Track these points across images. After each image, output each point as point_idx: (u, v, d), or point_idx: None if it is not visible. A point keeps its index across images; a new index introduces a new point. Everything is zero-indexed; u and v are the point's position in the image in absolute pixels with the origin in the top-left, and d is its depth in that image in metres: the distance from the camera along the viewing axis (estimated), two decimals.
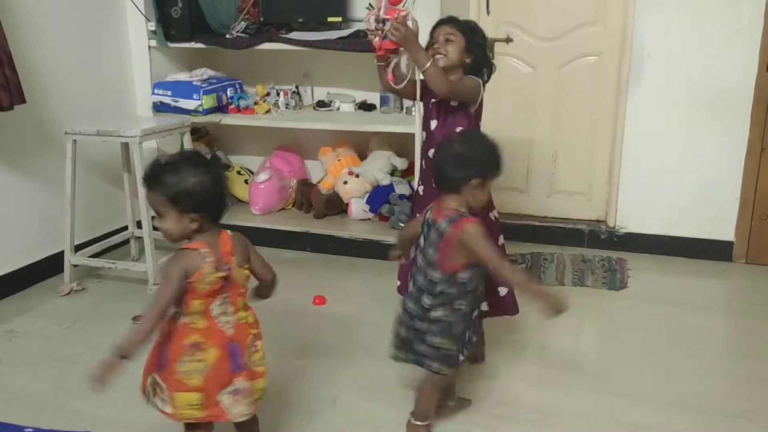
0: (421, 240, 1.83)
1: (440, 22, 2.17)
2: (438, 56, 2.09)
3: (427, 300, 1.79)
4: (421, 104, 2.30)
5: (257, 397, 1.64)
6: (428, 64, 2.03)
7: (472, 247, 1.72)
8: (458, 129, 2.16)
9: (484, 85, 2.18)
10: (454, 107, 2.17)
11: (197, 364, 1.53)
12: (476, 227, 1.73)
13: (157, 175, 1.52)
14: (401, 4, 2.09)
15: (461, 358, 1.85)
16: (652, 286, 3.02)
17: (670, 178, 3.27)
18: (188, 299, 1.52)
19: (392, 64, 2.19)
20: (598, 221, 3.51)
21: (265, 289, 1.75)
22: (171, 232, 1.53)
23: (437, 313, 1.79)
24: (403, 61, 2.16)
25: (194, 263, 1.50)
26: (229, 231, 1.61)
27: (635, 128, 3.26)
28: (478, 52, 2.14)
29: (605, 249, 3.42)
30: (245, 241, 1.64)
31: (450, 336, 1.80)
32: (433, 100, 2.20)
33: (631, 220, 3.39)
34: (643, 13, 3.12)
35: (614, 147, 3.35)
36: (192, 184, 1.49)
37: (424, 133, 2.27)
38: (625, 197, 3.37)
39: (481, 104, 2.19)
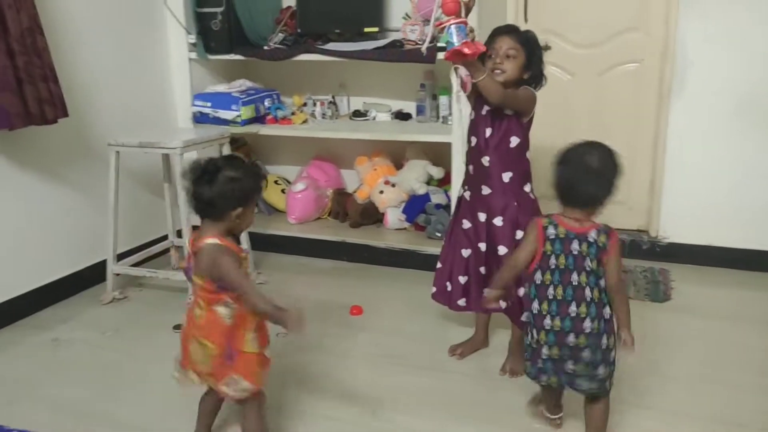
0: (555, 260, 1.76)
1: (501, 32, 2.14)
2: (497, 71, 2.08)
3: (608, 311, 1.78)
4: (471, 110, 2.28)
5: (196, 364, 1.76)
6: (483, 76, 2.03)
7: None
8: (513, 138, 2.18)
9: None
10: (509, 116, 2.17)
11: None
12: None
13: (208, 179, 1.66)
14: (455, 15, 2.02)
15: None
16: (697, 299, 2.93)
17: (715, 187, 3.18)
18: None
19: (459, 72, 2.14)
20: (639, 231, 3.43)
21: None
22: (219, 229, 1.70)
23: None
24: (462, 71, 2.11)
25: (235, 256, 1.69)
26: (212, 241, 1.68)
27: (678, 136, 3.19)
28: (536, 68, 2.13)
29: (647, 259, 3.33)
30: (219, 255, 1.68)
31: None
32: (487, 108, 2.18)
33: (674, 229, 3.30)
34: (685, 20, 3.05)
35: (656, 155, 3.27)
36: (232, 184, 1.66)
37: (474, 139, 2.25)
38: (668, 206, 3.29)
39: (532, 117, 2.19)
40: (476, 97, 2.22)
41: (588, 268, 1.74)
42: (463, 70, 2.07)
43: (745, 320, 2.71)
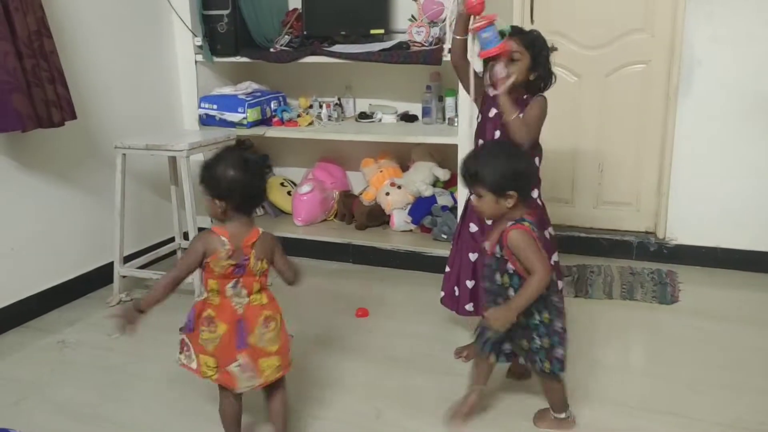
0: None
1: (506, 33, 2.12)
2: (501, 82, 2.05)
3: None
4: (478, 112, 2.29)
5: (267, 374, 1.79)
6: (514, 117, 2.06)
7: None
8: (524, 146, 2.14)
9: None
10: (519, 118, 2.14)
11: (211, 335, 1.75)
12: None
13: (206, 164, 1.76)
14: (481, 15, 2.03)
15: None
16: (705, 300, 2.91)
17: (722, 188, 3.16)
18: (206, 278, 1.76)
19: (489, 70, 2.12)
20: (647, 233, 3.41)
21: (288, 281, 1.93)
22: (207, 211, 1.79)
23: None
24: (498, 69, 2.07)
25: (213, 246, 1.72)
26: (261, 229, 1.79)
27: (685, 137, 3.17)
28: (542, 68, 2.12)
29: (654, 261, 3.32)
30: (273, 241, 1.84)
31: None
32: (495, 111, 2.17)
33: (681, 231, 3.28)
34: (692, 20, 3.03)
35: (663, 156, 3.26)
36: (217, 176, 1.72)
37: (481, 142, 2.26)
38: (675, 208, 3.27)
39: (542, 122, 2.18)
40: (484, 99, 2.21)
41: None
42: (499, 69, 2.04)
43: (753, 322, 2.69)
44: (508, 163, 1.83)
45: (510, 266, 1.86)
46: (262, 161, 1.79)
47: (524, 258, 1.81)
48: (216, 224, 1.79)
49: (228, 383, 1.78)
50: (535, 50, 2.10)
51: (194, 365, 1.81)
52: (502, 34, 2.05)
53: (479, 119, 2.27)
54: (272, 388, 1.87)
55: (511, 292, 1.87)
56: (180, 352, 1.84)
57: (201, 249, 1.73)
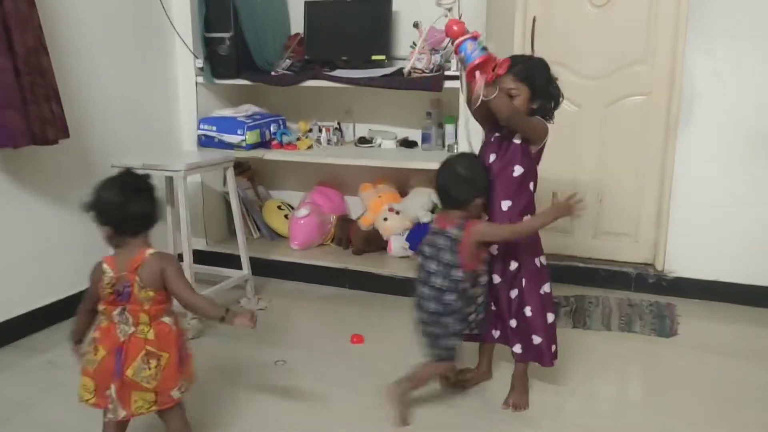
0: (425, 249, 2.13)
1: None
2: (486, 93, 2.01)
3: (448, 297, 2.07)
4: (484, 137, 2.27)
5: (137, 406, 1.76)
6: (494, 94, 2.00)
7: (486, 237, 2.08)
8: (516, 167, 2.13)
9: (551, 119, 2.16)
10: (517, 144, 2.13)
11: (92, 357, 1.76)
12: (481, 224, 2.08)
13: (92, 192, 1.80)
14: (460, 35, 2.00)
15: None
16: (704, 334, 2.88)
17: (722, 221, 3.15)
18: (97, 301, 1.77)
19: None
20: (645, 264, 3.39)
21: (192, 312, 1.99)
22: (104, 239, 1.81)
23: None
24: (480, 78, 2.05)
25: (97, 273, 1.77)
26: (152, 251, 1.78)
27: (685, 169, 3.17)
28: (543, 96, 2.10)
29: (653, 293, 3.29)
30: (165, 265, 1.77)
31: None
32: (496, 134, 2.16)
33: (680, 263, 3.26)
34: (692, 54, 3.05)
35: (663, 188, 3.25)
36: (95, 202, 1.78)
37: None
38: (675, 240, 3.25)
39: (543, 148, 2.16)
40: (487, 121, 2.19)
41: (444, 260, 2.06)
42: (479, 79, 2.00)
43: (752, 358, 2.66)
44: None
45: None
46: (138, 182, 1.82)
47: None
48: (145, 247, 1.80)
49: (102, 406, 1.77)
50: (531, 81, 2.07)
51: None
52: (483, 48, 2.00)
53: (483, 142, 2.25)
54: (164, 413, 1.84)
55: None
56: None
57: (91, 278, 1.78)
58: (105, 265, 1.76)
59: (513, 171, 2.13)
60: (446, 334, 2.11)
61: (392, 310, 3.16)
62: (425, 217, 3.44)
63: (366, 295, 3.35)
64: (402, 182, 3.66)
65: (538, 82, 2.09)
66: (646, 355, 2.72)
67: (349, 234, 3.65)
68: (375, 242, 3.60)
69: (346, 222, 3.73)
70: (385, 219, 3.52)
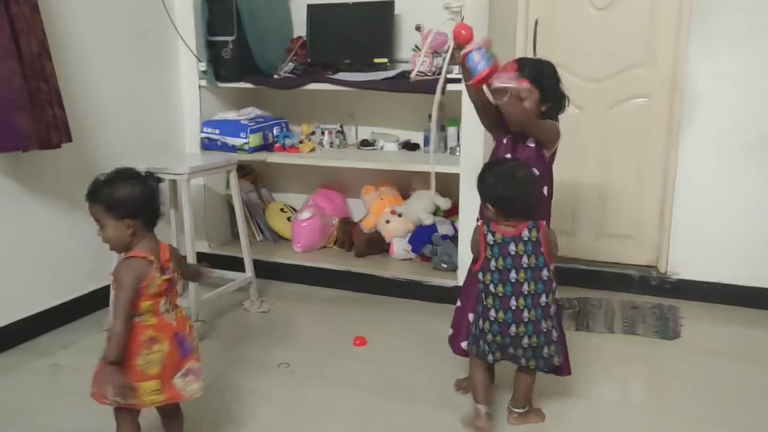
0: (499, 262, 2.00)
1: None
2: (501, 94, 2.02)
3: (543, 299, 2.00)
4: (494, 139, 2.28)
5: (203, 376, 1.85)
6: (506, 98, 2.00)
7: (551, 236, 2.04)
8: (533, 171, 2.09)
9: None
10: (530, 147, 2.13)
11: (156, 355, 1.74)
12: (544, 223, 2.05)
13: (95, 189, 1.76)
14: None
15: None
16: (707, 337, 2.88)
17: (725, 223, 3.15)
18: (139, 302, 1.72)
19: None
20: (648, 266, 3.39)
21: (196, 280, 2.14)
22: (111, 240, 1.76)
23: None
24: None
25: (143, 270, 1.72)
26: (165, 242, 1.84)
27: (688, 171, 3.17)
28: (553, 97, 2.10)
29: (656, 295, 3.29)
30: (177, 251, 1.91)
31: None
32: (508, 136, 2.16)
33: (683, 265, 3.26)
34: (694, 56, 3.05)
35: (665, 190, 3.25)
36: (124, 193, 1.73)
37: None
38: (678, 242, 3.25)
39: (555, 152, 2.16)
40: (498, 125, 2.19)
41: (525, 265, 1.98)
42: (496, 83, 2.01)
43: (755, 360, 2.66)
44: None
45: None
46: (151, 174, 1.84)
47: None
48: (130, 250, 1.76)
49: (176, 397, 1.80)
50: (540, 83, 2.07)
51: (133, 400, 1.75)
52: (491, 55, 2.00)
53: (494, 146, 2.26)
54: (171, 409, 1.91)
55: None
56: (114, 395, 1.73)
57: (132, 279, 1.70)
58: (149, 258, 1.73)
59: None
60: (550, 340, 2.02)
61: (395, 312, 3.16)
62: (427, 220, 3.45)
63: (369, 298, 3.35)
64: (404, 185, 3.67)
65: (547, 83, 2.09)
66: (650, 357, 2.72)
67: (352, 236, 3.66)
68: (377, 245, 3.60)
69: (348, 224, 3.74)
70: (388, 221, 3.53)
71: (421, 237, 3.45)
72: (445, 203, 3.47)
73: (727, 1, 2.96)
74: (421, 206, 3.47)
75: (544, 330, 1.99)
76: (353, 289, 3.43)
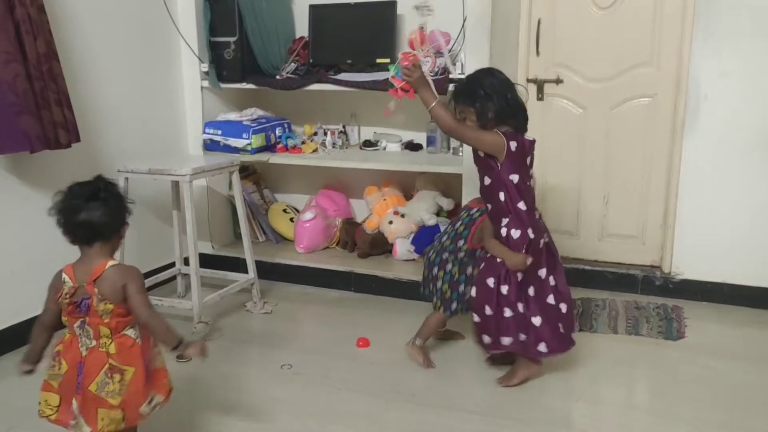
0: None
1: (451, 99, 2.28)
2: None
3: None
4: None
5: (104, 424, 1.69)
6: (433, 104, 2.18)
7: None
8: (485, 178, 2.27)
9: (518, 133, 2.22)
10: (481, 158, 2.25)
11: (56, 371, 1.73)
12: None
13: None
14: (423, 47, 2.24)
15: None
16: (712, 337, 2.87)
17: (729, 223, 3.14)
18: (61, 313, 1.72)
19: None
20: (652, 266, 3.38)
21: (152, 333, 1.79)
22: None
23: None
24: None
25: (57, 283, 1.72)
26: (113, 263, 1.72)
27: (692, 171, 3.16)
28: (492, 105, 2.17)
29: (660, 296, 3.27)
30: (127, 278, 1.70)
31: None
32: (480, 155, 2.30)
33: (687, 266, 3.25)
34: (698, 55, 3.04)
35: (669, 190, 3.24)
36: (52, 207, 1.73)
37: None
38: (682, 242, 3.24)
39: (514, 158, 2.19)
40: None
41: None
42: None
43: (761, 361, 2.64)
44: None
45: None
46: (92, 189, 1.74)
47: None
48: (106, 258, 1.74)
49: (67, 425, 1.73)
50: (474, 101, 2.19)
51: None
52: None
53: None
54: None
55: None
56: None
57: (51, 287, 1.72)
58: (64, 275, 1.71)
59: (484, 180, 2.29)
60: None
61: (398, 313, 3.16)
62: (430, 220, 3.44)
63: (372, 299, 3.34)
64: (407, 185, 3.66)
65: (478, 96, 2.18)
66: (653, 358, 2.70)
67: (355, 237, 3.65)
68: (380, 245, 3.60)
69: (351, 225, 3.73)
70: (391, 222, 3.52)
71: (424, 238, 3.44)
72: (448, 204, 3.46)
73: (731, 1, 2.95)
74: (424, 207, 3.46)
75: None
76: (356, 290, 3.43)
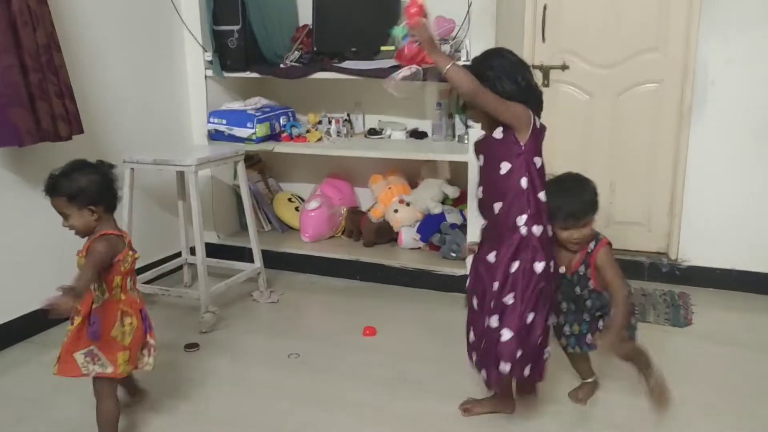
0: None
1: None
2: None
3: None
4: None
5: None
6: (449, 66, 1.83)
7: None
8: (504, 164, 1.90)
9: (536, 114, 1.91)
10: (498, 139, 1.90)
11: (128, 328, 1.91)
12: None
13: (54, 183, 1.86)
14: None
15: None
16: (719, 324, 2.86)
17: (736, 209, 3.12)
18: (111, 277, 1.88)
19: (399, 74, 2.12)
20: (658, 253, 3.36)
21: None
22: (77, 227, 1.89)
23: None
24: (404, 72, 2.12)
25: (119, 245, 1.89)
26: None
27: (698, 157, 3.13)
28: (501, 89, 1.86)
29: (667, 282, 3.27)
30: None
31: None
32: (484, 134, 1.98)
33: (694, 252, 3.24)
34: (705, 41, 3.01)
35: (676, 176, 3.22)
36: (83, 182, 1.85)
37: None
38: (688, 229, 3.23)
39: (536, 139, 1.89)
40: (480, 118, 1.98)
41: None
42: (403, 71, 2.06)
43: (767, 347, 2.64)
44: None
45: (591, 283, 2.08)
46: (103, 162, 1.95)
47: (608, 274, 2.05)
48: (97, 231, 1.88)
49: (137, 368, 1.98)
50: (480, 71, 1.88)
51: (111, 369, 1.89)
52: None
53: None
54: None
55: (588, 302, 2.10)
56: (93, 364, 1.89)
57: (109, 251, 1.85)
58: (123, 235, 1.92)
59: (500, 169, 1.91)
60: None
61: (404, 301, 3.16)
62: (436, 209, 3.43)
63: (377, 287, 3.35)
64: (412, 174, 3.65)
65: (486, 74, 1.87)
66: (660, 345, 2.69)
67: (360, 226, 3.65)
68: (386, 234, 3.59)
69: (356, 214, 3.73)
70: (396, 211, 3.51)
71: (430, 226, 3.44)
72: (453, 192, 3.45)
73: None
74: (430, 195, 3.45)
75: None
76: (362, 279, 3.43)
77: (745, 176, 3.08)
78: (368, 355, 2.62)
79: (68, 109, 2.65)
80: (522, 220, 1.90)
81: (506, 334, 1.91)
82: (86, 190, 1.85)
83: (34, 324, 2.80)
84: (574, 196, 2.02)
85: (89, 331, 1.87)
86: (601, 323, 2.09)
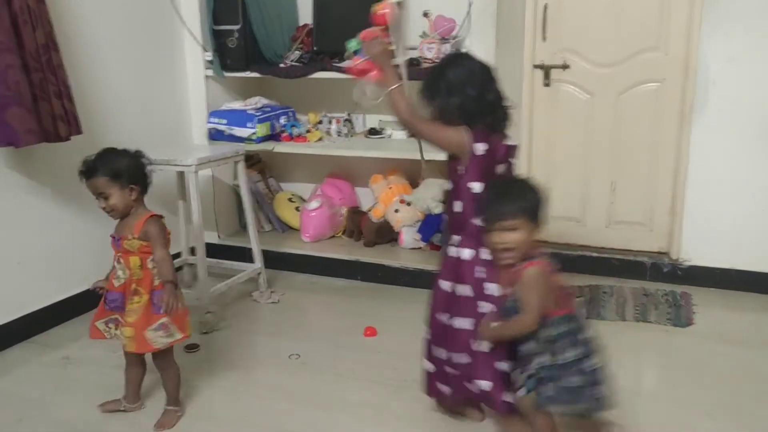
0: None
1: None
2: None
3: None
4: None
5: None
6: (392, 87, 1.86)
7: None
8: (450, 185, 1.93)
9: (494, 133, 1.85)
10: (449, 158, 1.91)
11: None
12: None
13: (93, 164, 1.96)
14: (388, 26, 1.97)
15: None
16: (721, 324, 2.85)
17: (738, 208, 3.11)
18: (145, 258, 2.03)
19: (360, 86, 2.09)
20: (660, 253, 3.36)
21: None
22: (118, 206, 1.99)
23: None
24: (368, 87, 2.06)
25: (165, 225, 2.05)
26: None
27: (700, 157, 3.13)
28: (455, 102, 1.82)
29: (668, 282, 3.26)
30: None
31: None
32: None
33: (695, 252, 3.23)
34: (707, 40, 3.00)
35: (677, 176, 3.21)
36: (124, 163, 1.97)
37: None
38: (690, 228, 3.22)
39: (480, 163, 1.83)
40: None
41: None
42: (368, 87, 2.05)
43: None
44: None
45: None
46: (136, 150, 2.06)
47: (524, 296, 1.74)
48: (136, 213, 2.02)
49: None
50: (430, 90, 1.87)
51: (179, 335, 2.02)
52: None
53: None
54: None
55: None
56: (164, 336, 2.00)
57: (166, 230, 2.02)
58: (162, 216, 2.07)
59: (453, 206, 1.94)
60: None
61: (405, 302, 3.15)
62: (436, 208, 3.42)
63: (378, 287, 3.34)
64: (413, 173, 3.64)
65: (438, 86, 1.84)
66: (662, 345, 2.70)
67: (360, 226, 3.64)
68: (386, 234, 3.59)
69: (357, 214, 3.72)
70: (396, 210, 3.51)
71: (431, 226, 3.43)
72: None
73: None
74: (430, 195, 3.44)
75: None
76: (362, 279, 3.43)
77: (746, 175, 3.07)
78: (369, 355, 2.61)
79: (67, 109, 2.64)
80: (454, 239, 1.93)
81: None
82: (128, 170, 1.96)
83: (34, 324, 2.80)
84: (499, 196, 1.79)
85: (155, 307, 1.98)
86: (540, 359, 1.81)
